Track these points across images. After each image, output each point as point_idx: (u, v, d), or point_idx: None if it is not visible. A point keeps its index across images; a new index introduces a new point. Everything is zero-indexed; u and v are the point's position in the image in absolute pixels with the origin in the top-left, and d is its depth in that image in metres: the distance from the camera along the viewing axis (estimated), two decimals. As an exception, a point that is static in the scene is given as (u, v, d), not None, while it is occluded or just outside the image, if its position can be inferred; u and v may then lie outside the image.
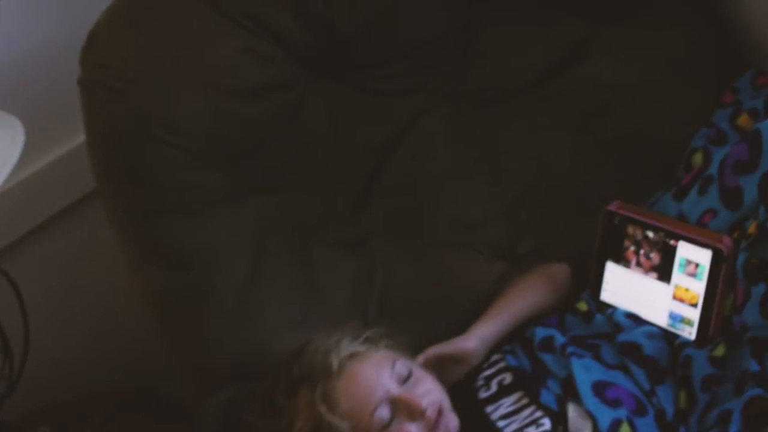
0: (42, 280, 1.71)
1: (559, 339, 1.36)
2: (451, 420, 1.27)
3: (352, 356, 1.29)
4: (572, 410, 1.26)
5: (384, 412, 1.24)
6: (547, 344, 1.36)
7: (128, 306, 1.56)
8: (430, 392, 1.27)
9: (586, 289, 1.44)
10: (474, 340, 1.37)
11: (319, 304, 1.53)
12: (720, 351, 1.23)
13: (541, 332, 1.39)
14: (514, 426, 1.27)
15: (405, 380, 1.28)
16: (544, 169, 1.60)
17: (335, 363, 1.27)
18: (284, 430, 1.28)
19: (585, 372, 1.29)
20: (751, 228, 1.24)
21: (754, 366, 1.19)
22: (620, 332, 1.34)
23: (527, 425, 1.26)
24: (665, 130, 1.56)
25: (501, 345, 1.40)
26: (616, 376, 1.29)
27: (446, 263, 1.55)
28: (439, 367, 1.34)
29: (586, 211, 1.44)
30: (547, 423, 1.25)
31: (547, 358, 1.35)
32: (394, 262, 1.59)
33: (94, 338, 1.81)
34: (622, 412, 1.24)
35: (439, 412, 1.25)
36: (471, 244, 1.58)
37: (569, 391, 1.29)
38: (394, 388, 1.26)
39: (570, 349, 1.33)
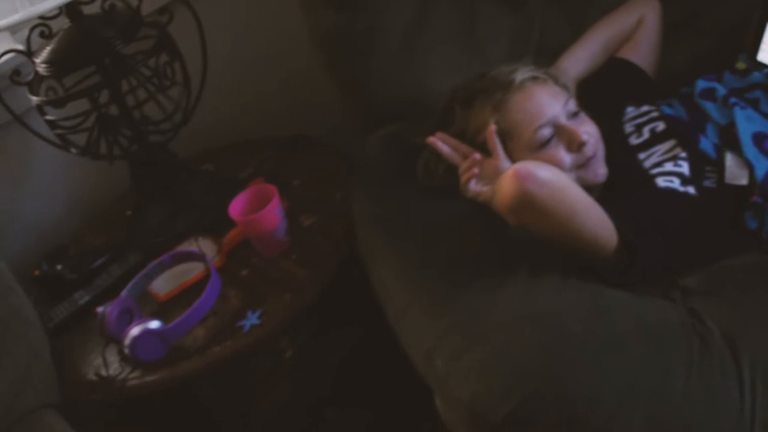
0: (226, 24, 1.79)
1: (721, 90, 1.38)
2: (601, 167, 1.32)
3: (534, 79, 1.34)
4: (730, 159, 1.30)
5: (546, 132, 1.30)
6: (709, 94, 1.39)
7: (301, 57, 1.65)
8: (591, 134, 1.32)
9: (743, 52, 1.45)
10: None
11: (478, 53, 1.57)
12: None
13: (702, 84, 1.41)
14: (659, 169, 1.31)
15: (574, 116, 1.33)
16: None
17: (518, 79, 1.33)
18: (455, 135, 1.34)
19: (747, 122, 1.31)
20: None
21: None
22: None
23: (666, 161, 1.32)
24: None
25: (655, 100, 1.43)
26: (776, 129, 1.32)
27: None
28: None
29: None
30: (685, 167, 1.30)
31: (709, 106, 1.37)
32: (551, 22, 1.61)
33: (264, 85, 1.89)
34: None
35: (594, 154, 1.31)
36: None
37: (728, 141, 1.32)
38: (562, 117, 1.31)
39: (732, 100, 1.35)
